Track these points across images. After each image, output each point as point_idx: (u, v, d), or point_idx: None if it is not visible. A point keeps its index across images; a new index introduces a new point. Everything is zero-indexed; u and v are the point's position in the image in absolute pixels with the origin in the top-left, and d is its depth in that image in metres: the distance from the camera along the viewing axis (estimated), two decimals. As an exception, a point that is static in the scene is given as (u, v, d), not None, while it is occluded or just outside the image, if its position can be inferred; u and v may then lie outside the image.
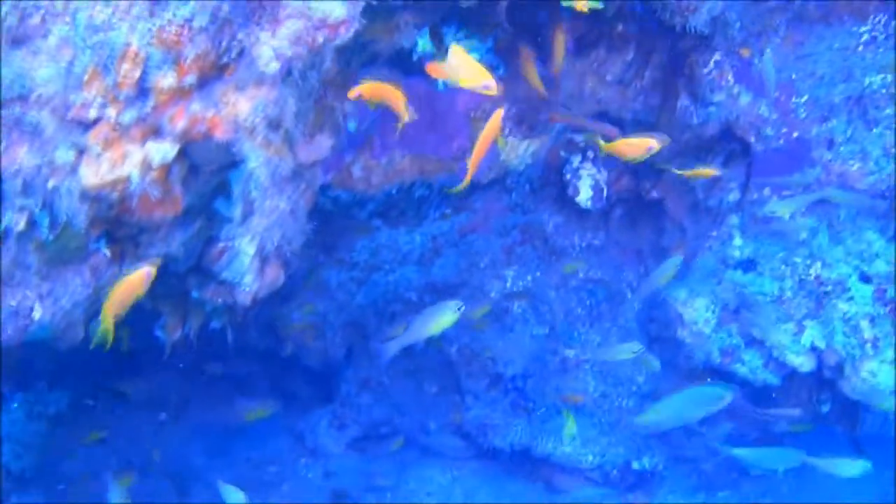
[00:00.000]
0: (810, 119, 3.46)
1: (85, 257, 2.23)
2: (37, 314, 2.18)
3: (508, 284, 4.72)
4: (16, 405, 4.65)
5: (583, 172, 4.28)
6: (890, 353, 3.43)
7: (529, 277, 4.69)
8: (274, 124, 2.06)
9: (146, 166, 2.00)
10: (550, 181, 4.57)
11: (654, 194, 4.24)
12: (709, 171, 3.50)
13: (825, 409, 3.84)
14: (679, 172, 3.43)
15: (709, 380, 4.03)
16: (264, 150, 2.01)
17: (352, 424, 5.25)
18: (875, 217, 3.42)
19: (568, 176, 4.32)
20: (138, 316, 3.72)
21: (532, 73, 3.41)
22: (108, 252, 2.25)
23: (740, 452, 3.61)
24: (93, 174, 1.96)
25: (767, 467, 3.78)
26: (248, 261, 2.40)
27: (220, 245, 2.50)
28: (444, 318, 3.26)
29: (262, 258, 2.40)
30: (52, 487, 4.62)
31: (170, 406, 5.32)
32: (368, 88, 2.63)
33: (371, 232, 4.80)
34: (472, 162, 2.73)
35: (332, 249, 4.95)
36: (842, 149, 3.42)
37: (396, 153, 3.71)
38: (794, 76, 3.47)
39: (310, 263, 4.89)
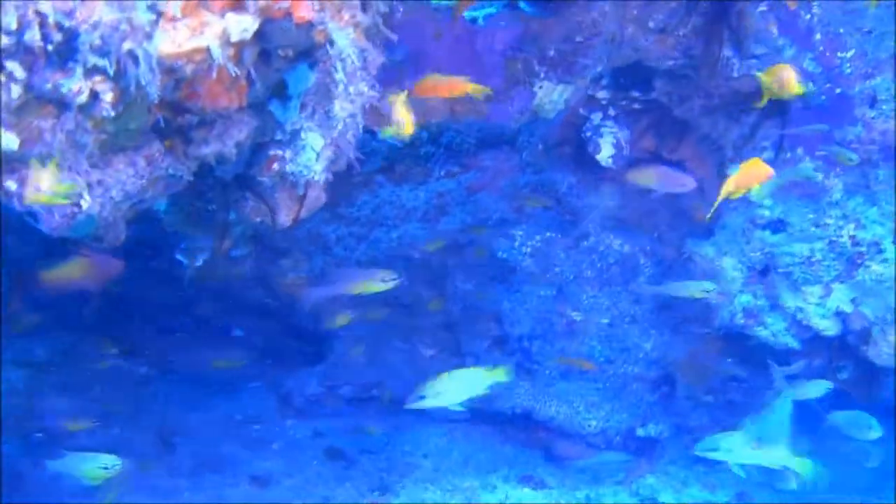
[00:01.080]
0: (855, 75, 3.40)
1: (141, 145, 2.06)
2: (85, 203, 2.01)
3: (517, 244, 4.60)
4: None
5: (604, 130, 4.18)
6: (920, 318, 3.38)
7: (538, 238, 4.58)
8: (361, 6, 1.92)
9: (225, 40, 1.84)
10: (567, 140, 4.46)
11: (677, 155, 4.15)
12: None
13: (844, 375, 3.79)
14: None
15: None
16: (352, 31, 1.86)
17: (343, 385, 5.09)
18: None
19: (588, 133, 4.22)
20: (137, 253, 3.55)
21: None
22: (163, 144, 2.08)
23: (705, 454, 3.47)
24: (170, 41, 1.80)
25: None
26: (317, 151, 2.24)
27: (273, 153, 2.34)
28: (371, 284, 3.35)
29: (336, 148, 2.25)
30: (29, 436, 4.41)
31: (154, 359, 5.14)
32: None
33: (373, 188, 4.64)
34: None
35: (332, 204, 4.78)
36: (884, 106, 3.37)
37: (429, 90, 3.55)
38: (841, 30, 3.41)
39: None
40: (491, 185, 4.66)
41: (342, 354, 5.07)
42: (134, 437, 4.45)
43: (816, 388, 3.50)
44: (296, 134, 2.30)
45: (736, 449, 3.18)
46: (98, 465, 2.99)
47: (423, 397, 3.01)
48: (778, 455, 3.17)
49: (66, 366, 4.73)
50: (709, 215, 2.97)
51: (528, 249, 4.56)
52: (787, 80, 2.95)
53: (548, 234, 4.54)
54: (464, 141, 4.32)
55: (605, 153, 4.14)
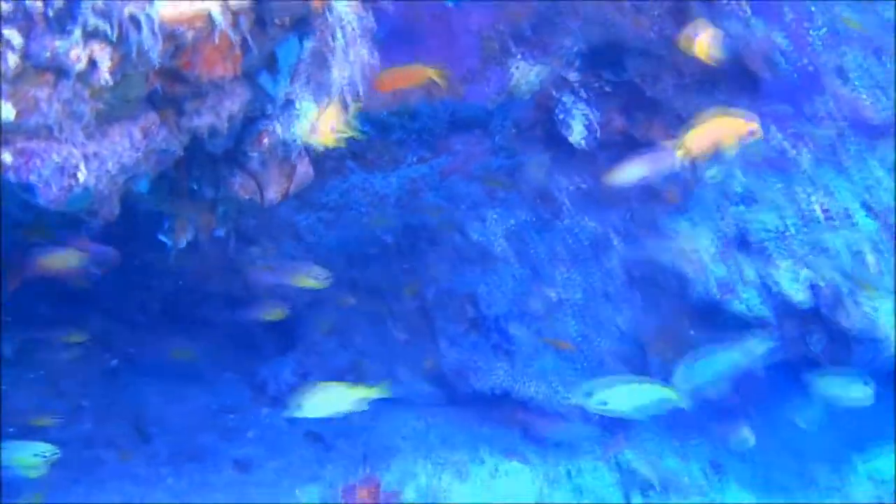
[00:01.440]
0: (826, 50, 3.47)
1: (137, 116, 2.04)
2: (81, 175, 1.98)
3: (491, 226, 4.63)
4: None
5: (575, 112, 4.22)
6: (891, 283, 3.47)
7: (513, 221, 4.61)
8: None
9: (224, 5, 1.84)
10: (538, 122, 4.50)
11: (648, 136, 4.21)
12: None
13: (818, 346, 3.87)
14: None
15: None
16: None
17: (316, 372, 5.08)
18: (880, 150, 3.45)
19: (560, 115, 4.25)
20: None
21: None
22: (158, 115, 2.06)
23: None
24: (172, 6, 1.79)
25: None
26: (311, 121, 2.24)
27: (263, 127, 2.33)
28: (304, 279, 3.56)
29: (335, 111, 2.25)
30: (-1, 432, 4.32)
31: (121, 351, 5.07)
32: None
33: (344, 173, 4.64)
34: None
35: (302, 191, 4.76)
36: (855, 81, 3.45)
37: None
38: (812, 9, 3.48)
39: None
40: (463, 168, 4.68)
41: (314, 341, 5.06)
42: (108, 429, 4.40)
43: (758, 346, 3.54)
44: (289, 103, 2.29)
45: (613, 396, 3.19)
46: (34, 454, 2.88)
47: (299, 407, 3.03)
48: (650, 389, 3.20)
49: (32, 359, 4.65)
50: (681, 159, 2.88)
51: (502, 231, 4.58)
52: (699, 40, 2.92)
53: (521, 215, 4.56)
54: (436, 125, 4.33)
55: (576, 134, 4.18)
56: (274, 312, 4.42)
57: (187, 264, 4.07)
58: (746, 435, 4.22)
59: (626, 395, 3.20)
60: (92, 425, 4.45)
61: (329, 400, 2.96)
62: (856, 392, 3.35)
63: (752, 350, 3.67)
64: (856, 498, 4.25)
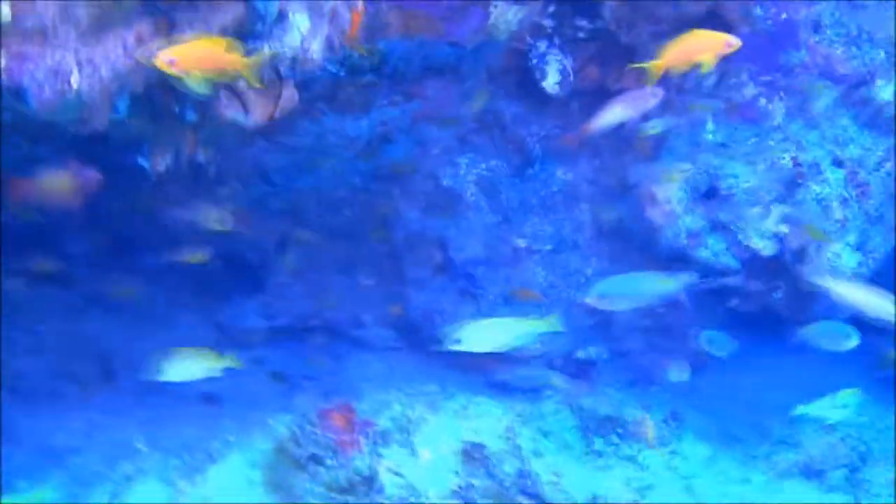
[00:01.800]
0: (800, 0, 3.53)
1: (131, 22, 2.01)
2: (74, 81, 1.96)
3: (462, 172, 4.64)
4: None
5: (550, 58, 4.24)
6: (854, 237, 3.56)
7: (483, 166, 4.63)
8: None
9: None
10: (511, 68, 4.51)
11: (621, 84, 4.24)
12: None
13: (777, 294, 3.97)
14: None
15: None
16: None
17: (280, 316, 5.07)
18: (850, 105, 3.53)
19: (534, 61, 4.27)
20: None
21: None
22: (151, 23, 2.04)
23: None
24: None
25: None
26: (303, 33, 2.23)
27: (253, 45, 2.31)
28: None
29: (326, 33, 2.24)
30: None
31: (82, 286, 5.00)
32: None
33: (315, 116, 4.60)
34: None
35: (272, 132, 4.73)
36: (828, 31, 3.51)
37: (383, 4, 3.54)
38: (787, -41, 3.54)
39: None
40: (435, 113, 4.67)
41: (279, 285, 5.05)
42: (72, 366, 4.36)
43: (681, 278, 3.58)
44: (282, 16, 2.28)
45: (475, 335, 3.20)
46: None
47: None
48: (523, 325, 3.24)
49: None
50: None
51: (473, 178, 4.60)
52: None
53: (492, 162, 4.58)
54: (408, 69, 4.31)
55: (551, 80, 4.21)
56: (195, 256, 4.36)
57: (157, 196, 4.02)
58: (683, 368, 4.30)
59: (482, 333, 3.16)
60: (54, 358, 4.41)
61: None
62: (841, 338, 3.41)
63: (672, 280, 3.68)
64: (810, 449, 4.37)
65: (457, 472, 3.24)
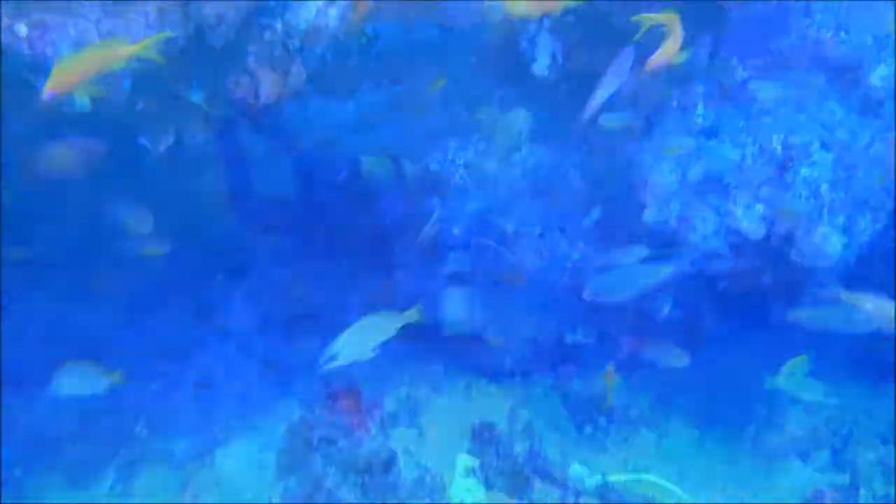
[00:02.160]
0: (793, -17, 3.57)
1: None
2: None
3: (450, 155, 4.65)
4: None
5: (539, 41, 4.25)
6: (841, 219, 3.62)
7: (472, 149, 4.64)
8: None
9: None
10: (500, 51, 4.52)
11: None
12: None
13: (766, 278, 4.02)
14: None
15: None
16: None
17: (267, 302, 5.05)
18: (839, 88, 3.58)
19: (524, 44, 4.28)
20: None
21: None
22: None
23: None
24: None
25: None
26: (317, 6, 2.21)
27: (266, 22, 2.30)
28: None
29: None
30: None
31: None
32: None
33: (301, 98, 4.58)
34: None
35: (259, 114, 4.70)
36: (818, 16, 3.55)
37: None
38: (781, -59, 3.58)
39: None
40: (423, 96, 4.68)
41: (265, 270, 5.02)
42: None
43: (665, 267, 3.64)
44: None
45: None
46: None
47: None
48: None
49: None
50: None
51: (461, 161, 4.61)
52: None
53: (480, 145, 4.59)
54: (395, 52, 4.31)
55: (541, 63, 4.22)
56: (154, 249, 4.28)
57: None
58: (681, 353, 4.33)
59: (350, 342, 3.07)
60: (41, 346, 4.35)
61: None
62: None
63: (666, 267, 3.71)
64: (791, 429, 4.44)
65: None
